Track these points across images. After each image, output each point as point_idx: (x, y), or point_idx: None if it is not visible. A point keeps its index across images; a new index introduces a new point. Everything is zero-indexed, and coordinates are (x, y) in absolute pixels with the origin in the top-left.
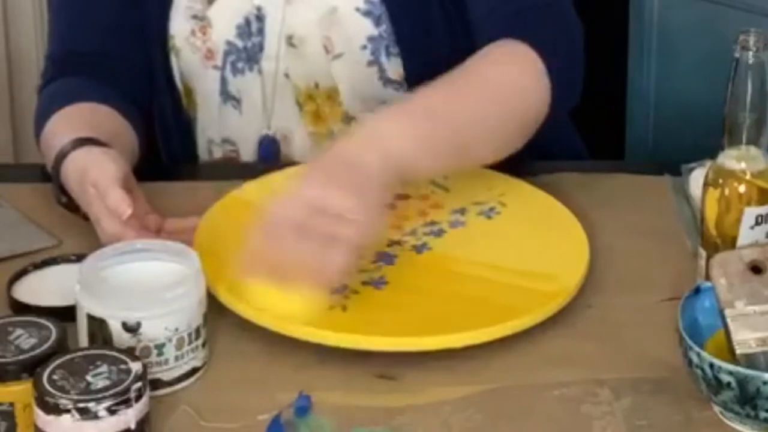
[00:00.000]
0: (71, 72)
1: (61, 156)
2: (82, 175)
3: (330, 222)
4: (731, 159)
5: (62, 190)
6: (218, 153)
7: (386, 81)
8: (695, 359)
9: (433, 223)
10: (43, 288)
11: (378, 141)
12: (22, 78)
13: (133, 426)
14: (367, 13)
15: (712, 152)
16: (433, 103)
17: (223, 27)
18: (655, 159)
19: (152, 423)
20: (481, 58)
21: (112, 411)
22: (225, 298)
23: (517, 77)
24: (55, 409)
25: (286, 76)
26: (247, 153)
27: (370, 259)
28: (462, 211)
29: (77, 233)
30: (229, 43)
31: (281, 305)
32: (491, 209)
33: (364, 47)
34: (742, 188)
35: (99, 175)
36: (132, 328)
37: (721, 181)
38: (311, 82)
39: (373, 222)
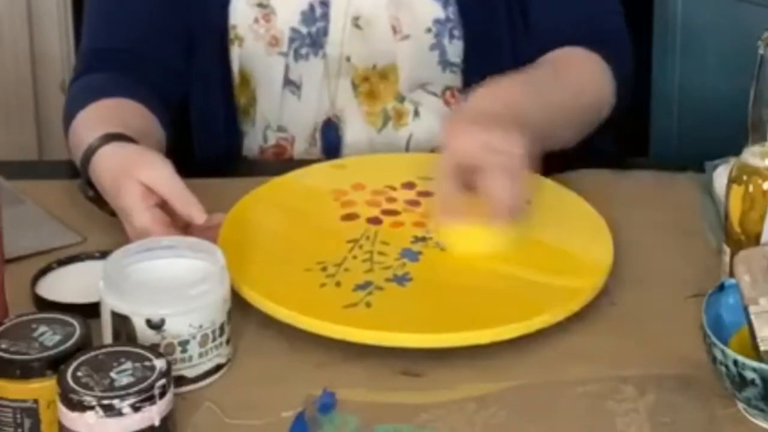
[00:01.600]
0: (101, 67)
1: (91, 151)
2: (124, 170)
3: (496, 156)
4: (755, 156)
5: (89, 184)
6: (272, 140)
7: (445, 64)
8: (719, 356)
9: None
10: (67, 285)
11: (508, 99)
12: (46, 77)
13: (157, 423)
14: None
15: (736, 149)
16: (534, 82)
17: (288, 14)
18: (680, 156)
19: (176, 420)
20: (560, 56)
21: (136, 408)
22: (249, 295)
23: (590, 75)
24: (79, 406)
25: (348, 59)
26: (301, 139)
27: (394, 256)
28: None
29: (101, 230)
30: (293, 29)
31: (476, 243)
32: None
33: (429, 30)
34: (766, 185)
35: (155, 173)
36: (156, 325)
37: (745, 177)
38: (370, 63)
39: (529, 150)
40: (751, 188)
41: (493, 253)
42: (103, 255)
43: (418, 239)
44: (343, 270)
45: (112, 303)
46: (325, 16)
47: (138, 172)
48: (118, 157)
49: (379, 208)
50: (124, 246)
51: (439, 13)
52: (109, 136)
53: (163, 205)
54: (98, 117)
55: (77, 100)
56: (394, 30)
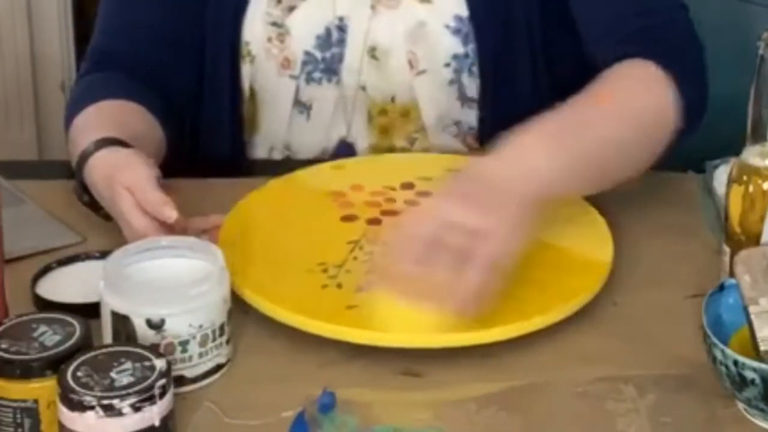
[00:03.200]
0: (107, 67)
1: (85, 156)
2: (110, 175)
3: (466, 239)
4: (756, 156)
5: (84, 188)
6: (278, 156)
7: (465, 99)
8: (719, 356)
9: None
10: (67, 285)
11: (523, 161)
12: (46, 77)
13: (157, 423)
14: (456, 31)
15: (736, 149)
16: (572, 124)
17: (303, 37)
18: (680, 156)
19: (176, 420)
20: (609, 78)
21: (136, 408)
22: (249, 296)
23: (648, 99)
24: (79, 406)
25: (362, 88)
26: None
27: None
28: None
29: (101, 230)
30: (307, 53)
31: (409, 319)
32: None
33: (448, 65)
34: (766, 185)
35: (133, 176)
36: (156, 325)
37: (745, 177)
38: (388, 96)
39: (512, 242)
40: (751, 188)
41: (438, 325)
42: (103, 255)
43: None
44: (345, 271)
45: (112, 303)
46: (342, 42)
47: (119, 176)
48: (109, 162)
49: (379, 208)
50: (124, 246)
51: (458, 48)
52: (102, 141)
53: None
54: (96, 120)
55: (78, 100)
56: (411, 64)
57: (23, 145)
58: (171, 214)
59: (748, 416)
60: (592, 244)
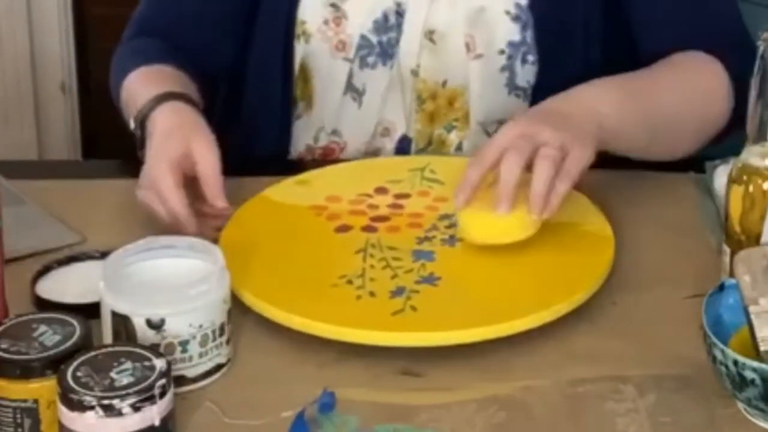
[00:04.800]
0: (150, 36)
1: (158, 99)
2: (182, 126)
3: (549, 150)
4: (755, 156)
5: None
6: (324, 141)
7: (512, 88)
8: (719, 356)
9: (446, 216)
10: (67, 285)
11: (589, 102)
12: (46, 77)
13: (157, 423)
14: (515, 18)
15: (736, 149)
16: (637, 86)
17: (360, 20)
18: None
19: (176, 420)
20: (671, 62)
21: (136, 408)
22: (249, 299)
23: (706, 84)
24: (79, 406)
25: (415, 73)
26: (354, 145)
27: (410, 259)
28: None
29: (101, 230)
30: (363, 37)
31: (495, 229)
32: None
33: (502, 51)
34: (766, 185)
35: (205, 153)
36: (156, 325)
37: (745, 177)
38: (440, 79)
39: (589, 154)
40: (751, 188)
41: (508, 242)
42: (103, 255)
43: (422, 240)
44: (369, 280)
45: (112, 303)
46: (399, 27)
47: (193, 138)
48: (184, 113)
49: (366, 216)
50: (124, 246)
51: (516, 35)
52: (174, 94)
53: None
54: (156, 78)
55: (127, 60)
56: (468, 48)
57: (23, 145)
58: (223, 204)
59: (748, 416)
60: (592, 243)
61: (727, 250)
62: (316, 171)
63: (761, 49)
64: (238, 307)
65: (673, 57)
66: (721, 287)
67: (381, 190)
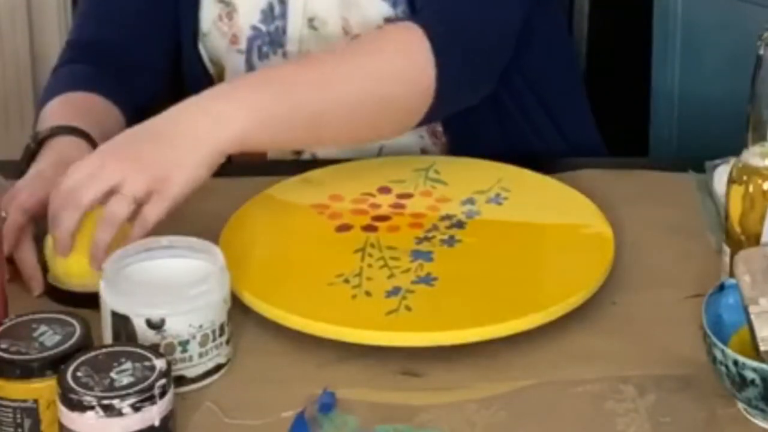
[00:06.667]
0: (81, 60)
1: (40, 138)
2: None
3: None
4: (755, 156)
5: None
6: None
7: None
8: (719, 356)
9: (448, 216)
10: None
11: (209, 107)
12: (46, 77)
13: (157, 423)
14: None
15: (736, 149)
16: (281, 76)
17: (248, 12)
18: (679, 156)
19: (176, 420)
20: (367, 39)
21: (136, 408)
22: (248, 299)
23: (395, 66)
24: (79, 406)
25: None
26: None
27: (408, 259)
28: (471, 201)
29: None
30: (254, 27)
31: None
32: (497, 196)
33: (379, 28)
34: (766, 185)
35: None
36: (156, 325)
37: (745, 177)
38: None
39: (163, 208)
40: (751, 188)
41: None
42: None
43: (421, 240)
44: (366, 279)
45: (112, 303)
46: (284, 16)
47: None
48: (66, 152)
49: (368, 215)
50: (124, 246)
51: (389, 11)
52: (61, 128)
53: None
54: (67, 109)
55: (48, 90)
56: (345, 31)
57: (23, 145)
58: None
59: (748, 416)
60: (592, 244)
61: (727, 250)
62: (321, 170)
63: (761, 49)
64: (238, 307)
65: (378, 33)
66: (721, 287)
67: (384, 190)
